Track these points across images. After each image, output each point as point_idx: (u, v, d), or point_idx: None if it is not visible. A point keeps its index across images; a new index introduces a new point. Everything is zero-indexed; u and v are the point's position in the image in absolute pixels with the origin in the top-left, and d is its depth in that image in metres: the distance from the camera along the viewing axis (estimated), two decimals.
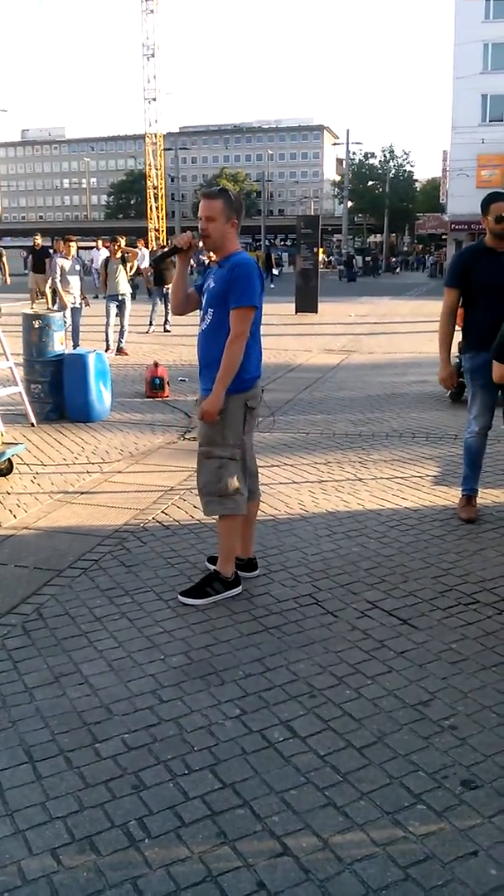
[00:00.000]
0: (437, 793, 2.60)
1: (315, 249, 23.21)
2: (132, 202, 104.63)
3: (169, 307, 17.33)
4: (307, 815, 2.50)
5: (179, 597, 4.05)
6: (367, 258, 60.65)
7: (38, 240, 19.50)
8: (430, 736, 2.91)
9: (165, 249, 4.35)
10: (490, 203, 4.90)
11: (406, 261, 73.04)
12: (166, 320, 17.44)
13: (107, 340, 13.54)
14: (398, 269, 65.46)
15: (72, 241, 13.21)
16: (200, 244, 4.04)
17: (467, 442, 5.29)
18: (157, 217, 66.36)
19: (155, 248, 13.83)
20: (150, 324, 17.42)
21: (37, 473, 6.44)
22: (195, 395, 7.76)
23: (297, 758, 2.79)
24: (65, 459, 6.91)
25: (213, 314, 3.92)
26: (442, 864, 2.30)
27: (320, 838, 2.40)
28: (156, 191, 66.80)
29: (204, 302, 4.03)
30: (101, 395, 8.48)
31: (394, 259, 67.97)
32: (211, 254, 4.27)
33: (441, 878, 2.25)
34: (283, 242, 79.42)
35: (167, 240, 54.61)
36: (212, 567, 4.33)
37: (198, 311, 4.20)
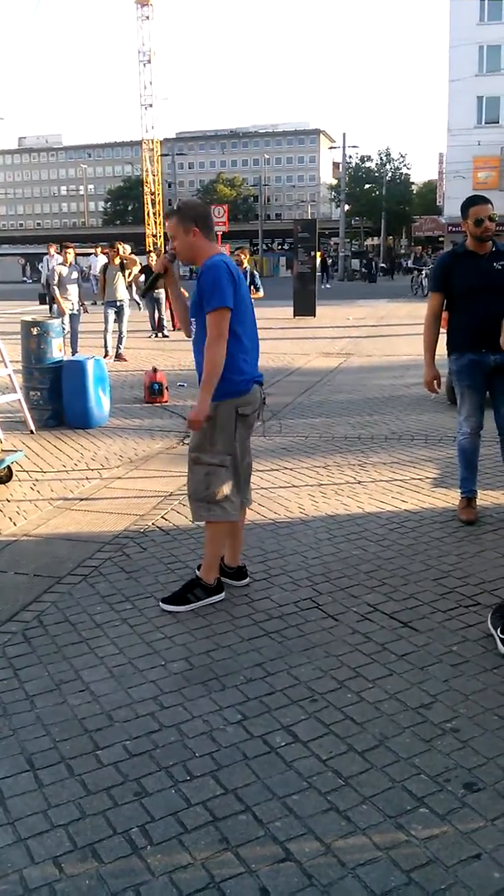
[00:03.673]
0: (440, 796, 2.60)
1: (312, 253, 23.23)
2: (130, 208, 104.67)
3: (162, 312, 17.33)
4: (309, 820, 2.49)
5: (160, 603, 4.03)
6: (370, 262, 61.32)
7: None
8: (431, 739, 2.91)
9: (149, 278, 4.43)
10: (469, 207, 4.95)
11: (401, 264, 73.12)
12: (162, 325, 17.46)
13: (105, 346, 13.56)
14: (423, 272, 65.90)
15: (69, 247, 13.23)
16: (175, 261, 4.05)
17: (461, 444, 5.30)
18: (155, 223, 66.41)
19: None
20: (152, 328, 17.50)
21: (36, 480, 6.44)
22: (194, 401, 7.78)
23: (299, 762, 2.78)
24: (64, 466, 6.91)
25: (196, 324, 3.89)
26: (445, 867, 2.29)
27: (323, 843, 2.40)
28: (153, 197, 66.89)
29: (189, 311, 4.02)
30: (100, 402, 8.49)
31: (409, 260, 68.18)
32: None
33: (444, 882, 2.24)
34: (280, 247, 79.41)
35: (164, 246, 54.65)
36: (197, 573, 4.33)
37: None
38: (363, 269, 55.95)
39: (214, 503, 3.94)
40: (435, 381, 5.28)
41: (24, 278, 63.00)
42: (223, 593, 4.11)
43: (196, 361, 3.97)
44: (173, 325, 17.01)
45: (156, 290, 15.69)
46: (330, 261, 52.77)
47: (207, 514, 3.99)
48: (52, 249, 20.81)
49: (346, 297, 33.76)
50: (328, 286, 41.59)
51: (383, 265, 62.72)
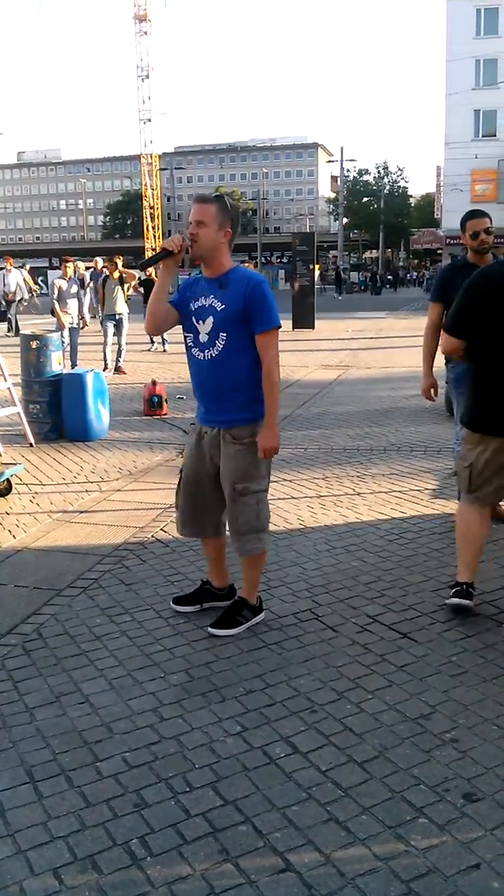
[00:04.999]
0: (439, 806, 2.60)
1: (311, 266, 23.33)
2: (129, 222, 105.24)
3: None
4: (309, 831, 2.50)
5: (209, 629, 3.85)
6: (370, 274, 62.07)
7: None
8: (431, 749, 2.91)
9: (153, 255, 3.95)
10: (467, 220, 5.10)
11: (402, 277, 73.44)
12: (163, 339, 17.48)
13: (105, 360, 13.60)
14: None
15: (68, 261, 13.29)
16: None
17: (458, 454, 5.31)
18: (154, 236, 66.78)
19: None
20: (152, 342, 17.51)
21: (36, 493, 6.45)
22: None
23: (299, 773, 2.79)
24: (63, 479, 6.92)
25: (228, 338, 3.60)
26: (444, 877, 2.29)
27: (322, 854, 2.40)
28: (152, 210, 67.29)
29: (211, 324, 3.63)
30: (100, 414, 8.51)
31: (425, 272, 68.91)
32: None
33: (443, 892, 2.24)
34: (279, 260, 79.69)
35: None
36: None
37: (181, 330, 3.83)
38: (368, 282, 57.60)
39: (264, 531, 3.81)
40: (432, 390, 5.34)
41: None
42: (263, 613, 4.03)
43: (220, 378, 3.68)
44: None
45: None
46: (344, 274, 55.40)
47: (260, 545, 3.82)
48: (9, 263, 20.62)
49: (346, 309, 33.84)
50: (340, 297, 44.95)
51: (390, 277, 63.64)
